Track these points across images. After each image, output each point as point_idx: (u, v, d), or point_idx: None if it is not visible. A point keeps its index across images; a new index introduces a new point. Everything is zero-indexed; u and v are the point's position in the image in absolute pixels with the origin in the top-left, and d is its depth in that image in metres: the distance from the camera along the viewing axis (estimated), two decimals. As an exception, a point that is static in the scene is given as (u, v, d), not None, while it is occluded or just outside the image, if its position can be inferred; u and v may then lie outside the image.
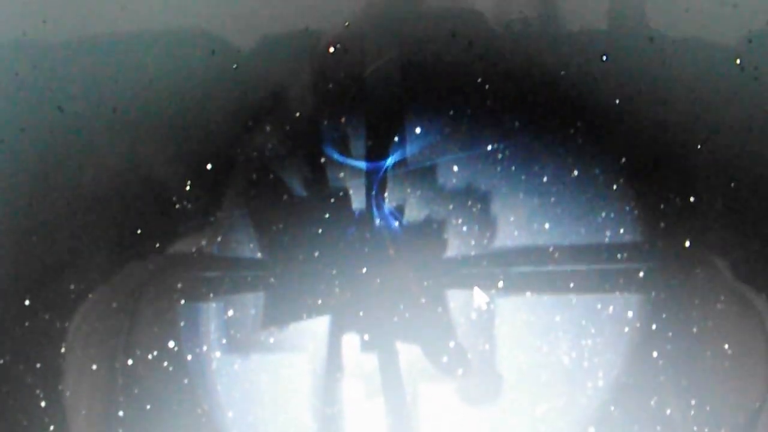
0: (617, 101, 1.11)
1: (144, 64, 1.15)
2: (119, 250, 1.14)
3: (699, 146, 1.11)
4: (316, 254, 1.12)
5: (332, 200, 1.13)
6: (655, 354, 1.10)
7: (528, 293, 1.13)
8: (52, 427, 1.10)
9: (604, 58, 1.11)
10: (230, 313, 1.14)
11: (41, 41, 1.16)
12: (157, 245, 1.14)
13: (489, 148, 1.13)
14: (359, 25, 1.15)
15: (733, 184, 1.11)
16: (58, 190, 1.14)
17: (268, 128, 1.14)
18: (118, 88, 1.15)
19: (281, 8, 1.15)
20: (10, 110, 1.15)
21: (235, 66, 1.13)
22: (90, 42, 1.16)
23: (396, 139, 1.13)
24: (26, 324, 1.11)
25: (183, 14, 1.16)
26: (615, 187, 1.12)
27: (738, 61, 1.10)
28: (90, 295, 1.12)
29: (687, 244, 1.11)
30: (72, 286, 1.12)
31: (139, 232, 1.13)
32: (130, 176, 1.15)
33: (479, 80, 1.12)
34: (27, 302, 1.12)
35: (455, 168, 1.13)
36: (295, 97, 1.15)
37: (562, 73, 1.12)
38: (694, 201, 1.11)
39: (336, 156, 1.14)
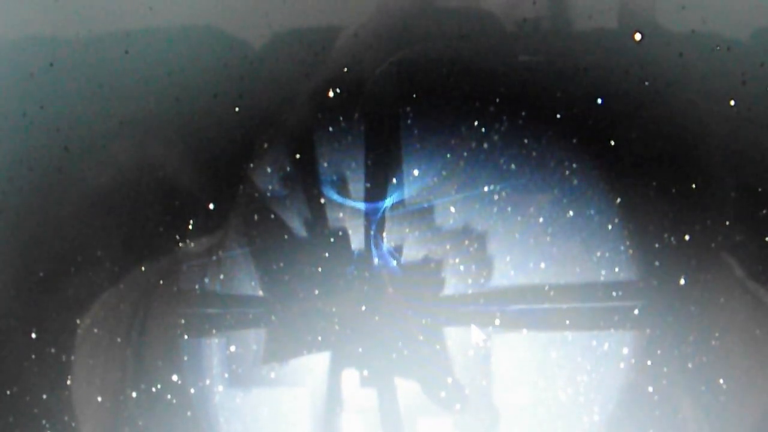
0: (611, 141, 1.13)
1: (152, 62, 1.16)
2: (124, 286, 1.15)
3: (694, 186, 1.12)
4: (316, 292, 1.14)
5: (332, 240, 1.15)
6: (650, 389, 1.10)
7: (524, 330, 1.13)
8: (58, 458, 1.12)
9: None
10: (232, 348, 1.15)
11: (48, 38, 1.17)
12: (162, 282, 1.15)
13: (486, 189, 1.14)
14: (369, 26, 1.16)
15: (728, 223, 1.11)
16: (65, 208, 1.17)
17: (273, 133, 1.15)
18: (125, 86, 1.16)
19: (291, 5, 1.15)
20: (14, 110, 1.16)
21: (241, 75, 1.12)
22: (98, 39, 1.16)
23: (394, 180, 1.15)
24: (33, 356, 1.13)
25: (191, 10, 1.16)
26: (610, 227, 1.13)
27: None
28: (95, 329, 1.14)
29: (681, 281, 1.11)
30: (77, 320, 1.14)
31: (143, 269, 1.16)
32: (136, 206, 1.16)
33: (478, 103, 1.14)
34: (33, 335, 1.14)
35: (452, 209, 1.14)
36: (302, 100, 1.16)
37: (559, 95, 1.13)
38: (689, 240, 1.11)
39: (335, 197, 1.15)
